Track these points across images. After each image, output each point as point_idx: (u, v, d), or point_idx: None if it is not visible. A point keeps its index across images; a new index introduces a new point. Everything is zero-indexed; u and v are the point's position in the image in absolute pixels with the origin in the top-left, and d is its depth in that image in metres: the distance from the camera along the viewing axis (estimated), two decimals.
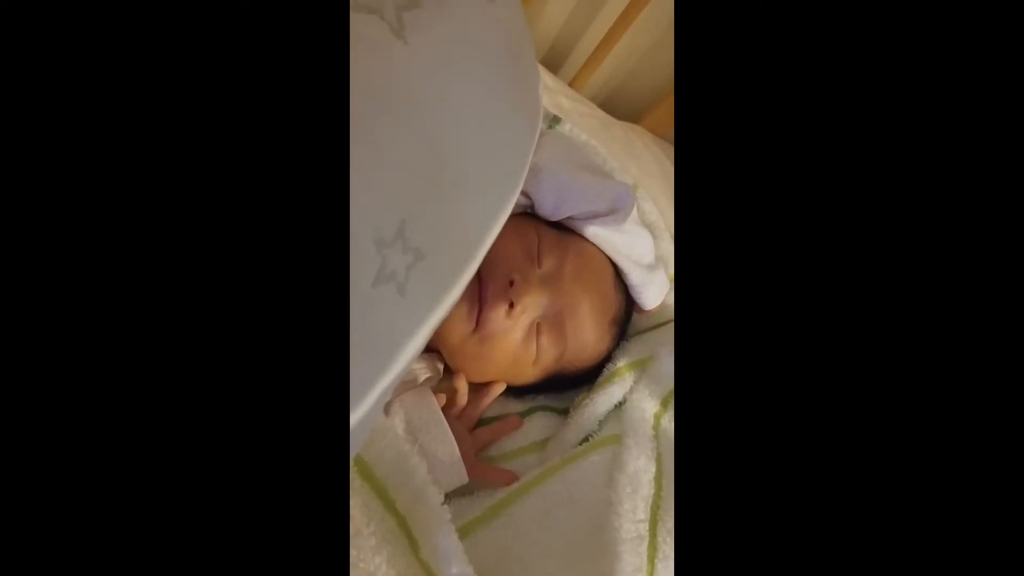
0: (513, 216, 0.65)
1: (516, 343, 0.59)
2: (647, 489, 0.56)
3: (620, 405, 0.64)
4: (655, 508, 0.56)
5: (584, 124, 0.87)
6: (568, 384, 0.67)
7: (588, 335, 0.63)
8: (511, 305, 0.56)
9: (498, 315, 0.57)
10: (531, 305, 0.58)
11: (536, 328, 0.59)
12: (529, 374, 0.63)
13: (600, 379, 0.66)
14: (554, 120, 0.75)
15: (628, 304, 0.69)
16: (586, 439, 0.62)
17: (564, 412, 0.68)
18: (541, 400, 0.69)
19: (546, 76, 0.97)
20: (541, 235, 0.62)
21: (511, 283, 0.57)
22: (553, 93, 0.93)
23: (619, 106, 1.06)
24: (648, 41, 1.00)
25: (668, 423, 0.62)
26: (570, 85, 1.01)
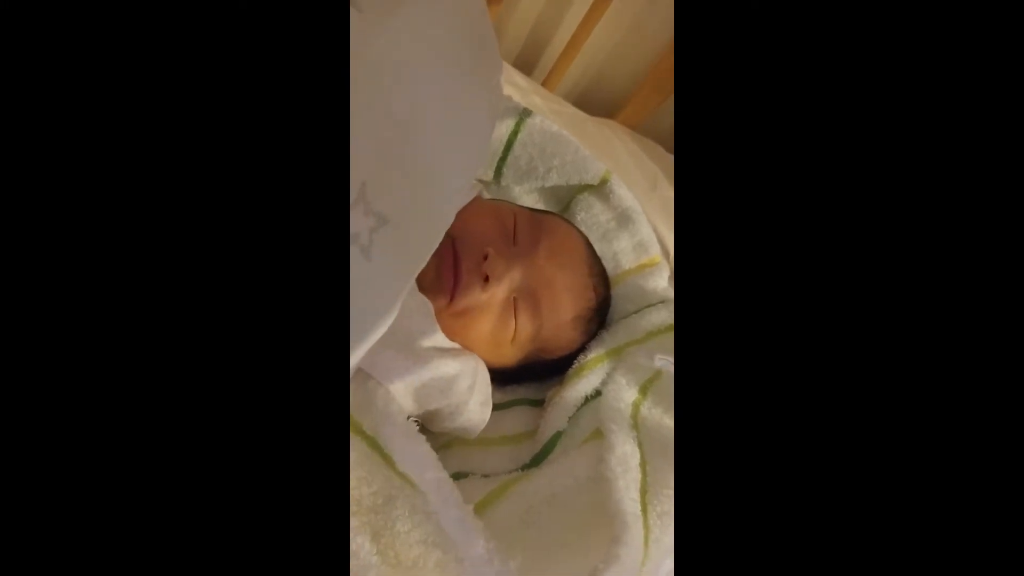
0: (490, 199, 0.65)
1: (493, 318, 0.58)
2: (635, 472, 0.55)
3: (595, 396, 0.62)
4: (643, 492, 0.54)
5: (558, 121, 0.87)
6: (548, 370, 0.66)
7: (565, 312, 0.62)
8: (485, 279, 0.56)
9: (472, 289, 0.56)
10: (505, 279, 0.57)
11: (513, 304, 0.58)
12: (509, 353, 0.61)
13: (570, 371, 0.64)
14: (524, 113, 0.75)
15: (606, 290, 0.68)
16: (556, 435, 0.61)
17: (541, 403, 0.66)
18: (521, 392, 0.67)
19: (518, 77, 0.97)
20: (518, 214, 0.62)
21: (485, 257, 0.56)
22: (526, 92, 0.93)
23: (593, 102, 1.06)
24: (617, 36, 1.00)
25: (648, 411, 0.60)
26: (543, 84, 1.01)
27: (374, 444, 0.47)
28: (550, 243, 0.61)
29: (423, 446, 0.47)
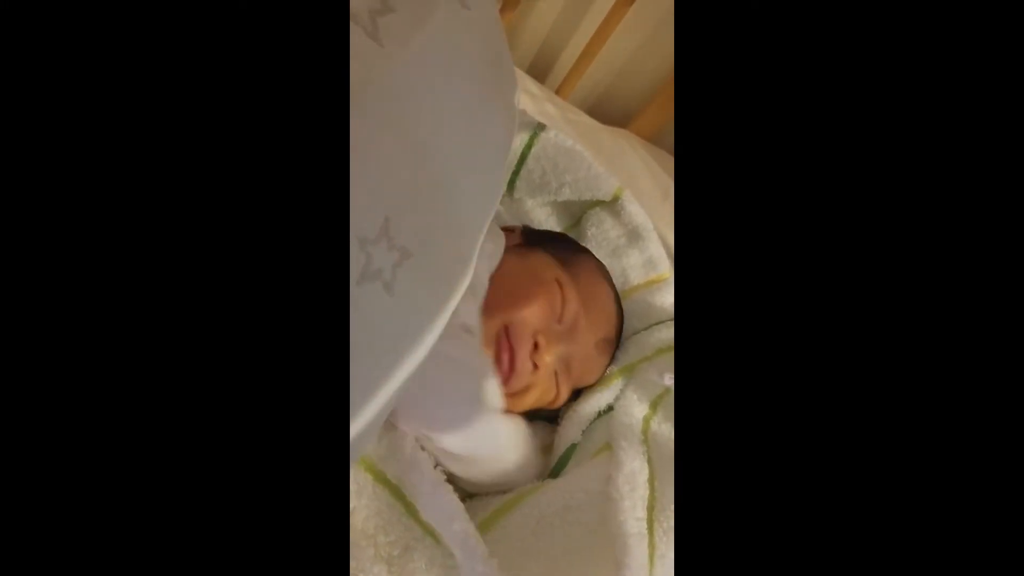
0: (535, 255, 0.66)
1: (540, 392, 0.62)
2: (643, 489, 0.56)
3: (608, 411, 0.64)
4: (651, 508, 0.56)
5: (571, 131, 0.87)
6: None
7: (598, 366, 0.68)
8: (535, 366, 0.60)
9: (524, 376, 0.60)
10: (553, 360, 0.62)
11: (555, 374, 0.63)
12: (550, 406, 0.66)
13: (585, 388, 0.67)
14: (539, 127, 0.76)
15: (622, 322, 0.72)
16: (571, 448, 0.63)
17: (555, 420, 0.68)
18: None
19: (532, 84, 0.98)
20: (562, 283, 0.64)
21: (535, 345, 0.60)
22: (540, 100, 0.94)
23: (607, 111, 1.07)
24: (632, 45, 1.00)
25: (657, 425, 0.62)
26: (557, 92, 1.01)
27: (398, 493, 0.48)
28: (590, 313, 0.65)
29: (450, 496, 0.48)
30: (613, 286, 0.72)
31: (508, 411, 0.59)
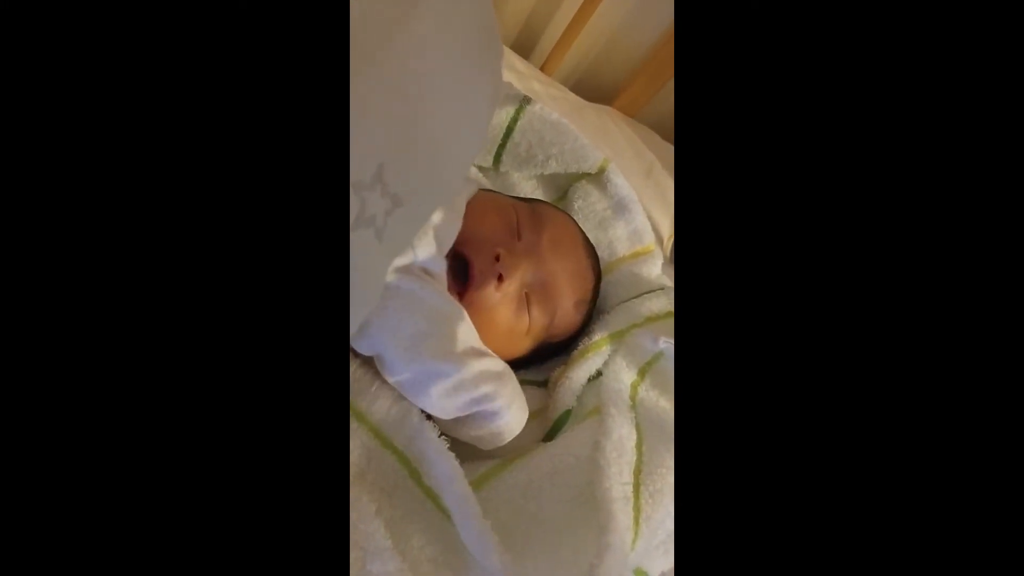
0: (487, 193, 0.66)
1: (509, 315, 0.60)
2: (630, 455, 0.57)
3: (596, 377, 0.65)
4: (637, 472, 0.57)
5: (556, 107, 0.88)
6: (549, 354, 0.69)
7: (571, 300, 0.65)
8: (500, 279, 0.58)
9: (488, 289, 0.58)
10: (518, 276, 0.59)
11: (526, 298, 0.61)
12: (523, 345, 0.64)
13: (575, 352, 0.67)
14: (524, 100, 0.76)
15: (598, 270, 0.72)
16: (566, 413, 0.64)
17: (545, 384, 0.69)
18: (522, 375, 0.69)
19: (517, 61, 0.98)
20: (518, 210, 0.64)
21: (497, 258, 0.58)
22: (525, 78, 0.94)
23: (591, 88, 1.07)
24: (616, 21, 1.01)
25: (645, 392, 0.63)
26: (541, 69, 1.01)
27: (404, 459, 0.50)
28: (552, 234, 0.64)
29: (452, 461, 0.50)
30: (579, 227, 0.71)
31: (487, 348, 0.58)
